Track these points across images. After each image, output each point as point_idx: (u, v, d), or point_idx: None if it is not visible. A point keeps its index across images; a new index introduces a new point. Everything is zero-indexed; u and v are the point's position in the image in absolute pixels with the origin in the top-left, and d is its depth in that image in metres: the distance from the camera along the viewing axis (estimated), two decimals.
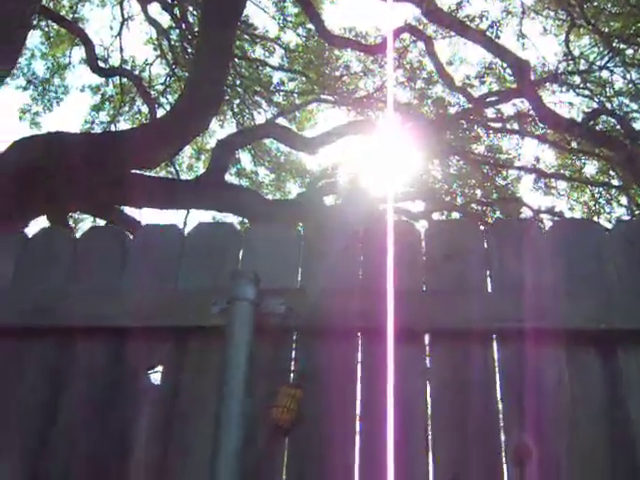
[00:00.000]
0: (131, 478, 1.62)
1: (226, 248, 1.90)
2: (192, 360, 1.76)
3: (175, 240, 1.93)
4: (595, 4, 9.37)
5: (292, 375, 1.66)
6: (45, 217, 6.14)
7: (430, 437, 1.61)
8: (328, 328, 1.70)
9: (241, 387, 1.56)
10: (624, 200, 9.91)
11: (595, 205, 10.23)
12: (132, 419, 1.70)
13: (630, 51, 9.62)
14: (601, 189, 10.16)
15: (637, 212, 9.27)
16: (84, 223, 10.20)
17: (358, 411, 1.65)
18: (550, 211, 9.31)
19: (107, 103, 11.38)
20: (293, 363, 1.67)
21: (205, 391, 1.70)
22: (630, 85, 9.69)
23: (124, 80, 10.70)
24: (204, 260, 1.88)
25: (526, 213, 9.34)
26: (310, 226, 1.95)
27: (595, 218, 9.93)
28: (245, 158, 12.36)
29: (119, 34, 10.70)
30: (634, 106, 9.68)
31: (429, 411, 1.64)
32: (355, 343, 1.72)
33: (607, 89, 9.91)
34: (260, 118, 11.03)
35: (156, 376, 1.81)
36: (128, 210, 7.52)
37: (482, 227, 1.87)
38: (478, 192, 9.74)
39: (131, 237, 1.97)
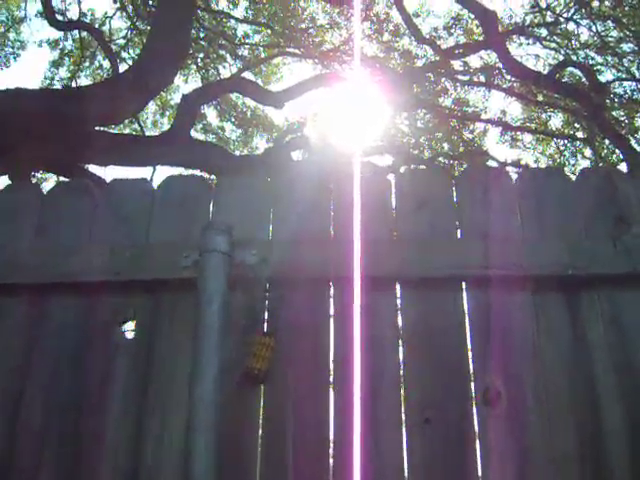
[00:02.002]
0: (109, 430, 1.64)
1: (197, 200, 1.89)
2: (165, 313, 1.76)
3: (145, 193, 1.91)
4: None
5: (265, 324, 1.68)
6: (7, 177, 6.00)
7: (402, 383, 1.65)
8: (300, 278, 1.71)
9: (216, 337, 1.57)
10: (588, 152, 10.05)
11: (560, 157, 10.37)
12: (107, 373, 1.70)
13: (596, 3, 9.63)
14: (566, 141, 10.29)
15: (601, 164, 9.41)
16: (47, 183, 9.99)
17: (331, 359, 1.68)
18: (516, 164, 9.41)
19: (67, 58, 11.03)
20: (266, 313, 1.69)
21: (180, 343, 1.71)
22: (596, 38, 9.73)
23: (84, 34, 10.35)
24: (175, 213, 1.87)
25: (493, 166, 9.42)
26: (280, 178, 1.94)
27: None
28: (211, 113, 12.16)
29: None
30: (599, 59, 9.74)
31: (401, 357, 1.68)
32: (327, 292, 1.74)
33: (573, 42, 9.94)
34: (225, 72, 10.84)
35: (130, 330, 1.82)
36: (93, 168, 7.40)
37: (451, 176, 1.88)
38: (445, 145, 9.78)
39: (100, 191, 1.95)
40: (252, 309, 1.69)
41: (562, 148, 10.29)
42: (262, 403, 1.64)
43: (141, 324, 1.77)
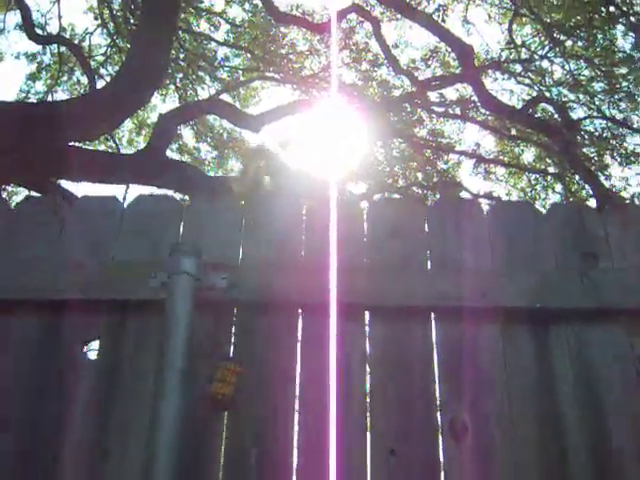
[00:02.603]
0: (66, 453, 1.59)
1: (167, 220, 1.86)
2: (131, 334, 1.73)
3: (114, 211, 1.89)
4: None
5: (232, 350, 1.65)
6: None
7: (369, 412, 1.64)
8: (269, 304, 1.70)
9: (180, 361, 1.54)
10: (559, 187, 10.22)
11: (532, 191, 10.53)
12: (69, 393, 1.66)
13: (570, 42, 9.88)
14: (538, 176, 10.46)
15: (571, 198, 9.58)
16: (18, 197, 9.84)
17: (297, 387, 1.66)
18: (488, 196, 9.53)
19: (44, 72, 10.94)
20: (233, 338, 1.66)
21: (144, 366, 1.67)
22: (569, 76, 9.97)
23: (62, 49, 10.30)
24: (144, 232, 1.85)
25: (465, 198, 9.52)
26: (253, 201, 1.93)
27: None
28: (187, 134, 12.14)
29: (58, 0, 10.27)
30: (572, 96, 9.98)
31: (368, 387, 1.66)
32: (296, 319, 1.72)
33: (547, 78, 10.17)
34: (203, 93, 10.84)
35: (94, 350, 1.78)
36: (65, 184, 7.30)
37: (424, 206, 1.89)
38: (419, 175, 9.87)
39: (68, 208, 1.91)
40: (219, 334, 1.67)
41: (534, 182, 10.47)
42: (225, 429, 1.61)
43: (105, 344, 1.73)
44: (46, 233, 1.86)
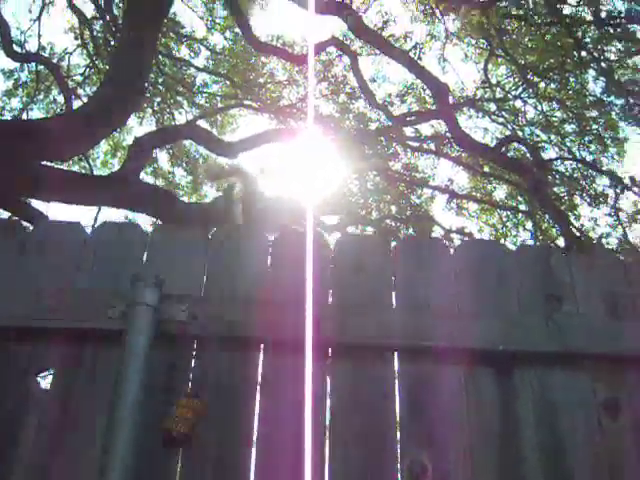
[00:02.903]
0: None
1: (130, 249, 1.83)
2: (87, 364, 1.67)
3: (77, 238, 1.84)
4: (514, 37, 9.79)
5: (190, 385, 1.61)
6: None
7: (328, 451, 1.60)
8: (230, 338, 1.66)
9: (136, 396, 1.50)
10: (529, 225, 10.35)
11: (503, 228, 10.66)
12: (19, 424, 1.60)
13: (543, 84, 10.11)
14: (509, 213, 10.60)
15: (541, 237, 9.71)
16: None
17: (256, 424, 1.62)
18: (460, 231, 9.61)
19: (20, 89, 10.86)
20: (192, 373, 1.62)
21: (99, 397, 1.62)
22: (541, 116, 10.19)
23: (40, 67, 10.25)
24: (106, 261, 1.81)
25: (438, 232, 9.61)
26: (219, 232, 1.90)
27: (502, 240, 10.34)
28: (162, 157, 12.11)
29: (38, 18, 10.23)
30: (544, 136, 10.18)
31: (328, 425, 1.63)
32: (257, 354, 1.69)
33: (520, 118, 10.37)
34: (181, 118, 10.84)
35: (47, 379, 1.72)
36: (36, 204, 7.20)
37: (391, 244, 1.88)
38: (393, 208, 9.94)
39: (29, 232, 1.87)
40: (177, 368, 1.63)
41: (505, 219, 10.60)
42: (179, 467, 1.56)
43: (60, 374, 1.68)
44: (3, 258, 1.81)
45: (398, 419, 1.65)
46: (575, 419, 1.69)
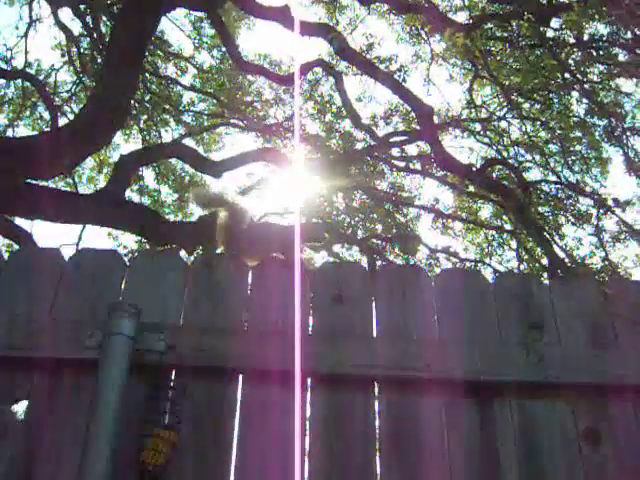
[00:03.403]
0: None
1: (108, 277, 1.81)
2: (62, 394, 1.65)
3: (54, 265, 1.82)
4: (498, 58, 9.90)
5: (167, 416, 1.58)
6: None
7: None
8: (207, 368, 1.64)
9: (111, 427, 1.47)
10: (514, 244, 10.40)
11: (488, 247, 10.70)
12: None
13: (527, 105, 10.22)
14: (494, 232, 10.65)
15: (525, 256, 9.75)
16: None
17: (235, 454, 1.60)
18: (446, 250, 9.63)
19: (6, 105, 10.81)
20: (169, 404, 1.60)
21: (74, 428, 1.59)
22: (525, 136, 10.28)
23: (27, 83, 10.21)
24: (84, 288, 1.78)
25: (424, 251, 9.63)
26: (199, 259, 1.89)
27: (487, 259, 10.38)
28: (148, 175, 12.09)
29: (25, 35, 10.21)
30: (528, 156, 10.27)
31: (307, 455, 1.61)
32: (235, 385, 1.67)
33: (505, 138, 10.46)
34: (167, 136, 10.82)
35: (22, 409, 1.69)
36: (19, 221, 7.14)
37: (370, 272, 1.87)
38: (379, 227, 9.95)
39: (5, 257, 1.84)
40: (154, 399, 1.60)
41: (490, 238, 10.64)
42: None
43: (35, 404, 1.65)
44: None
45: (378, 451, 1.63)
46: (556, 449, 1.68)
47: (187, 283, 1.81)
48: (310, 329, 1.77)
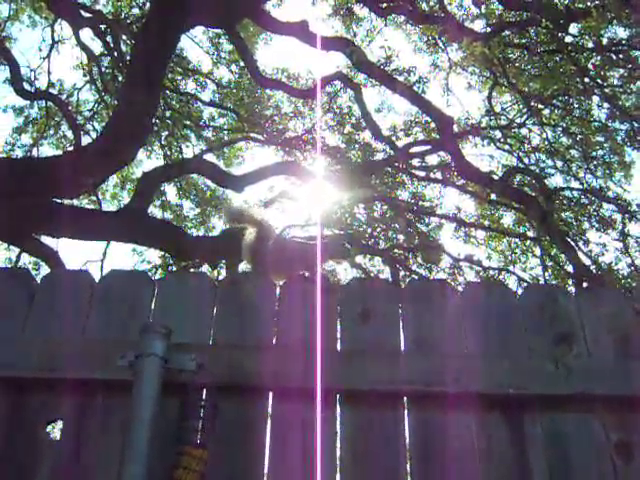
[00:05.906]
0: None
1: (138, 297, 1.84)
2: (96, 416, 1.68)
3: (85, 287, 1.86)
4: (517, 65, 9.87)
5: (199, 435, 1.60)
6: None
7: None
8: (238, 387, 1.66)
9: (145, 447, 1.50)
10: (538, 251, 10.31)
11: (511, 255, 10.62)
12: (29, 473, 1.60)
13: (547, 111, 10.16)
14: (517, 240, 10.56)
15: (550, 263, 9.66)
16: None
17: (266, 471, 1.61)
18: (469, 259, 9.58)
19: (31, 126, 11.01)
20: (200, 422, 1.62)
21: (108, 449, 1.62)
22: (546, 143, 10.21)
23: (50, 103, 10.40)
24: (114, 310, 1.82)
25: (447, 260, 9.58)
26: (227, 279, 1.91)
27: (511, 267, 10.29)
28: (170, 190, 12.19)
29: (48, 56, 10.42)
30: (549, 162, 10.19)
31: (338, 475, 1.62)
32: (265, 402, 1.68)
33: (525, 145, 10.40)
34: (188, 152, 10.93)
35: (57, 429, 1.73)
36: (46, 239, 7.25)
37: (397, 288, 1.88)
38: (401, 237, 9.93)
39: (37, 281, 1.88)
40: (186, 418, 1.62)
41: (513, 246, 10.56)
42: None
43: (69, 424, 1.68)
44: (15, 307, 1.82)
45: (409, 467, 1.63)
46: (588, 463, 1.66)
47: (215, 302, 1.83)
48: (338, 346, 1.78)
